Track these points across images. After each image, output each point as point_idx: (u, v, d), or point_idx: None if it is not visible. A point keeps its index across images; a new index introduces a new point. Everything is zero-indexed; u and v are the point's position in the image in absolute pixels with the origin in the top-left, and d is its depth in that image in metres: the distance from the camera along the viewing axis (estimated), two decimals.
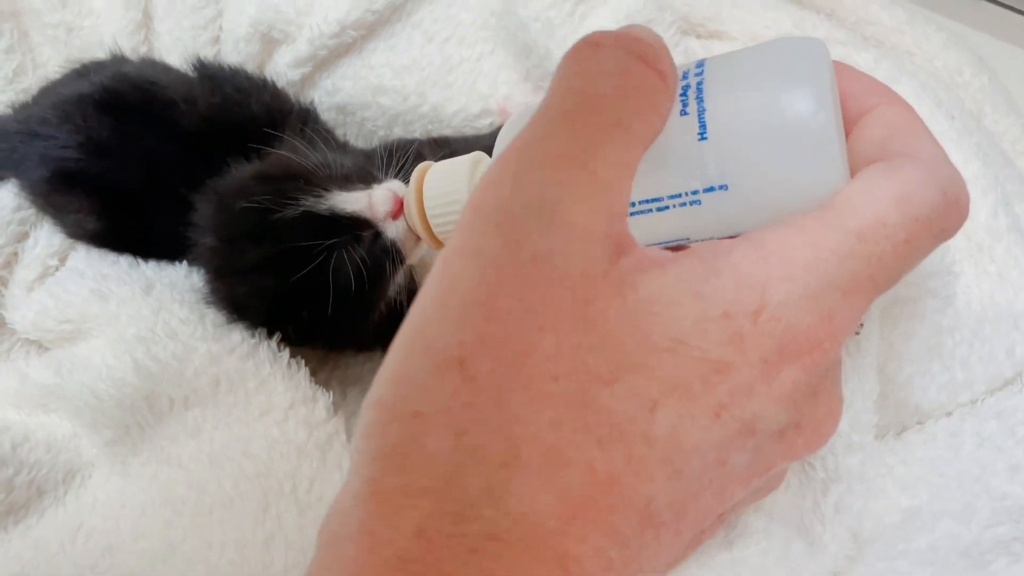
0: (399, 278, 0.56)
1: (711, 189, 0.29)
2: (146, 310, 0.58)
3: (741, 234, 0.30)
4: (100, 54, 0.72)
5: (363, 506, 0.23)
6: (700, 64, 0.31)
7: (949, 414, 0.59)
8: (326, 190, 0.53)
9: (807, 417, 0.26)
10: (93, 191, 0.64)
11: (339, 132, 0.74)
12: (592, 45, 0.26)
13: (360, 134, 0.75)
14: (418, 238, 0.44)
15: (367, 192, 0.53)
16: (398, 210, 0.52)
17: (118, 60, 0.71)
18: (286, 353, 0.56)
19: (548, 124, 0.24)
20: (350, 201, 0.53)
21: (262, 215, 0.53)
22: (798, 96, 0.28)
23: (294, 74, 0.73)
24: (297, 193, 0.53)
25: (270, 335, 0.57)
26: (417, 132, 0.73)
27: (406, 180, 0.58)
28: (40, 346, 0.66)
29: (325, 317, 0.54)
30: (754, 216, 0.29)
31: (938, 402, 0.59)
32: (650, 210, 0.30)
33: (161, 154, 0.62)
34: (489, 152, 0.68)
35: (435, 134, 0.73)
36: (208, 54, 0.73)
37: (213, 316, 0.58)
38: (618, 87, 0.25)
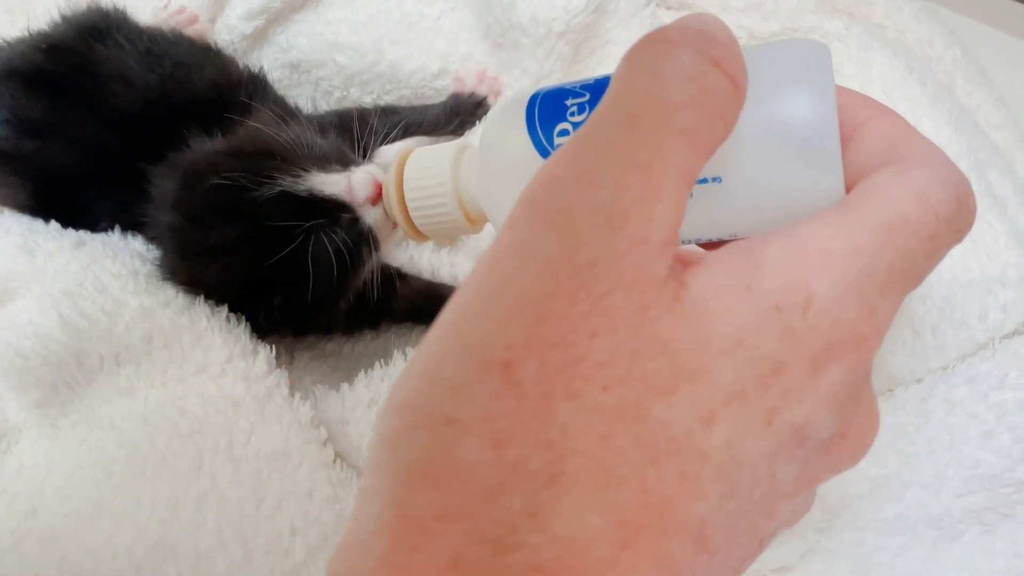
0: (372, 264, 0.53)
1: (704, 180, 0.27)
2: (75, 265, 0.55)
3: (734, 238, 0.29)
4: (40, 8, 0.69)
5: (388, 533, 0.21)
6: None
7: (919, 380, 0.57)
8: (304, 170, 0.50)
9: (851, 426, 0.24)
10: (25, 170, 0.61)
11: (292, 93, 0.72)
12: (665, 42, 0.24)
13: (315, 95, 0.72)
14: (395, 224, 0.43)
15: (346, 175, 0.51)
16: (377, 195, 0.50)
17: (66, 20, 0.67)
18: (224, 307, 0.53)
19: (614, 127, 0.23)
20: (329, 183, 0.50)
21: (235, 193, 0.50)
22: (802, 93, 0.27)
23: (246, 27, 0.70)
24: (274, 171, 0.50)
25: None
26: (375, 92, 0.70)
27: (361, 151, 0.57)
28: None
29: (298, 302, 0.52)
30: (746, 217, 0.28)
31: (908, 368, 0.57)
32: None
33: (97, 135, 0.59)
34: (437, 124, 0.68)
35: (383, 101, 0.71)
36: (158, 5, 0.70)
37: (147, 270, 0.54)
38: (689, 93, 0.23)
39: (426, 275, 0.65)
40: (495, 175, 0.35)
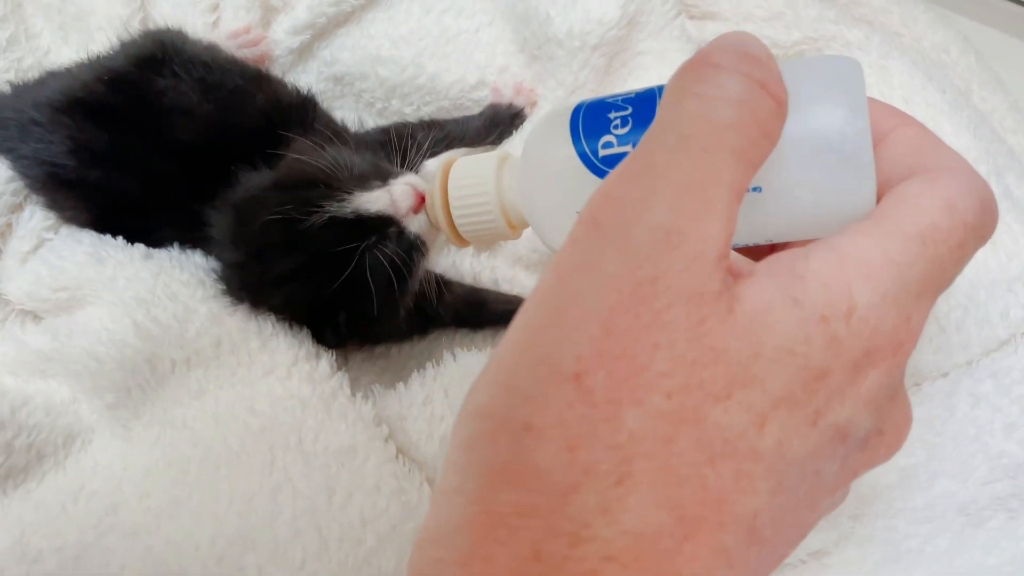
0: (423, 268, 0.56)
1: None
2: (145, 273, 0.58)
3: (770, 242, 0.31)
4: (93, 25, 0.72)
5: (473, 528, 0.23)
6: None
7: (945, 375, 0.60)
8: (348, 193, 0.53)
9: (888, 423, 0.26)
10: (88, 197, 0.63)
11: (335, 105, 0.74)
12: (712, 67, 0.26)
13: (358, 107, 0.75)
14: (438, 229, 0.45)
15: (387, 189, 0.53)
16: (419, 203, 0.53)
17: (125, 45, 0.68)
18: None
19: (668, 148, 0.25)
20: (372, 201, 0.53)
21: (288, 225, 0.52)
22: (838, 108, 0.28)
23: (292, 42, 0.73)
24: (320, 199, 0.52)
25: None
26: (415, 103, 0.73)
27: (407, 165, 0.59)
28: (36, 316, 0.65)
29: (362, 316, 0.54)
30: (784, 223, 0.30)
31: (934, 363, 0.60)
32: None
33: (157, 164, 0.62)
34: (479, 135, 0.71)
35: (427, 115, 0.74)
36: (207, 21, 0.73)
37: (212, 279, 0.57)
38: (738, 115, 0.25)
39: (468, 280, 0.68)
40: (538, 184, 0.37)
